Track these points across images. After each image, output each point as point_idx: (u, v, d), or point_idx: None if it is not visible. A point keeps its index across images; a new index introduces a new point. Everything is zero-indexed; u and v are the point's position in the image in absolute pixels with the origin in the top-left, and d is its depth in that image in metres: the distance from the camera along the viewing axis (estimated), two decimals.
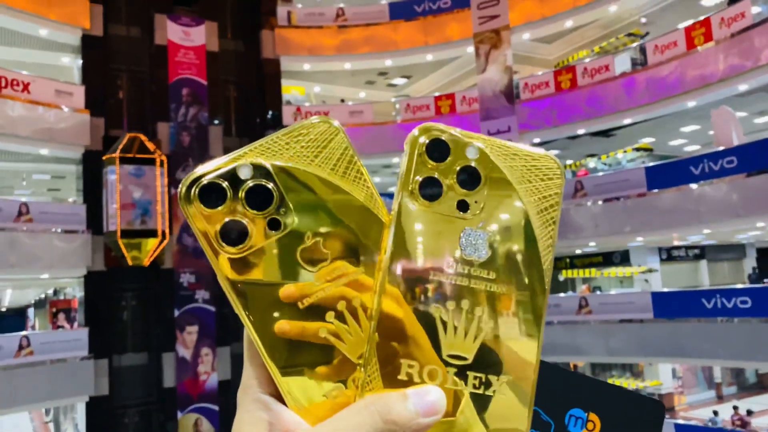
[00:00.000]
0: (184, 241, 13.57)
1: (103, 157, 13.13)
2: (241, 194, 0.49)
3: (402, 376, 0.48)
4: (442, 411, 0.47)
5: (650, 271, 18.19)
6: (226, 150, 14.93)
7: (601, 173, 15.58)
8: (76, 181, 14.34)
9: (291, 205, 0.50)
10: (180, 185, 0.49)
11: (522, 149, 0.54)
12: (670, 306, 12.76)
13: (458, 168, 0.52)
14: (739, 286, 13.23)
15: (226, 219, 0.49)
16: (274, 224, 0.50)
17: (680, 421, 13.55)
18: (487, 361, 0.50)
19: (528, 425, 0.50)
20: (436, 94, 17.53)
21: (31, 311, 27.54)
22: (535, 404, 0.53)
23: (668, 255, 19.11)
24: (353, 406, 0.47)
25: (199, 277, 13.53)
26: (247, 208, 0.49)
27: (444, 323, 0.50)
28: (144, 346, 13.71)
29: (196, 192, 0.48)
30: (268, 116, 16.10)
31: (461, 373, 0.49)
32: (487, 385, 0.49)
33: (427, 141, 0.52)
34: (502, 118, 14.61)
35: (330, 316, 0.49)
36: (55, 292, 20.39)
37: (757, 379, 20.65)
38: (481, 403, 0.49)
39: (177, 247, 13.62)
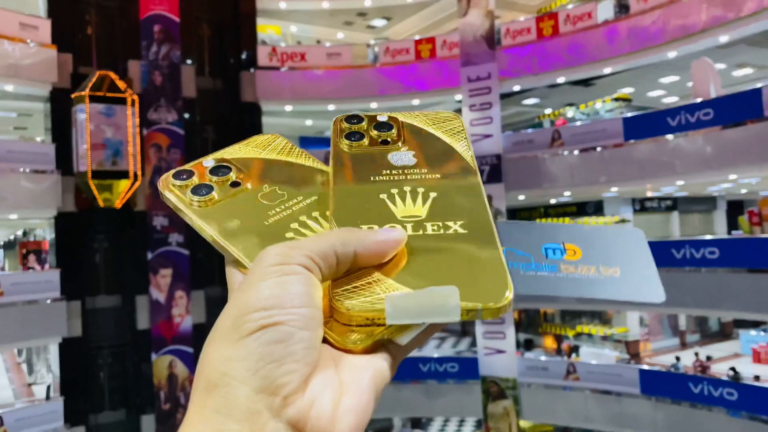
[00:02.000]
0: (156, 184, 13.31)
1: (72, 95, 12.70)
2: (206, 170, 0.62)
3: None
4: (404, 238, 0.51)
5: (623, 221, 18.44)
6: (199, 90, 14.54)
7: (579, 123, 15.54)
8: (44, 120, 13.88)
9: (247, 174, 0.62)
10: (158, 183, 0.61)
11: (420, 112, 0.68)
12: None
13: (374, 124, 0.66)
14: (708, 237, 13.46)
15: (197, 182, 0.61)
16: (235, 185, 0.61)
17: (645, 367, 13.99)
18: (441, 212, 0.55)
19: (500, 249, 0.52)
20: (417, 37, 17.14)
21: (0, 252, 27.12)
22: (507, 246, 0.56)
23: (641, 206, 19.36)
24: None
25: (172, 220, 13.33)
26: (212, 176, 0.61)
27: (392, 201, 0.56)
28: (117, 288, 13.63)
29: (171, 175, 0.61)
30: (243, 56, 15.65)
31: (419, 225, 0.54)
32: (446, 228, 0.54)
33: (345, 115, 0.67)
34: (483, 64, 14.38)
35: (294, 224, 0.57)
36: (25, 233, 20.06)
37: (720, 328, 21.33)
38: (448, 239, 0.53)
39: (150, 190, 13.38)
